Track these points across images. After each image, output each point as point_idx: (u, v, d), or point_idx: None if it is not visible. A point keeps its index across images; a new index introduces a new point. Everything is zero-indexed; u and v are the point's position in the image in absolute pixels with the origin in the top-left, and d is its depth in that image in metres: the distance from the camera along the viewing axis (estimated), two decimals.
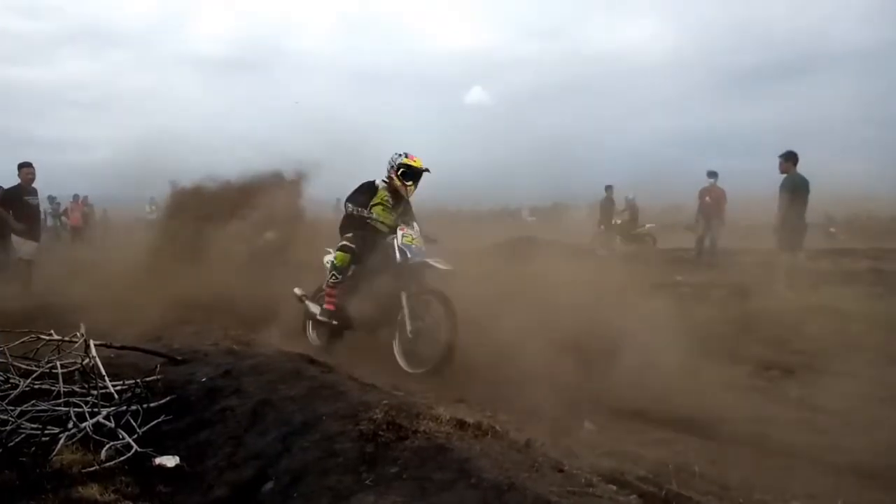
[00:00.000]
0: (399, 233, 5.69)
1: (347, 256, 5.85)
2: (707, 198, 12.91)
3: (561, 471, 2.77)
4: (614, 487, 2.70)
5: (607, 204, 17.45)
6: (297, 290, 6.46)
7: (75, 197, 21.75)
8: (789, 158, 8.65)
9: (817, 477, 3.54)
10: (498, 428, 3.22)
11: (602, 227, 17.17)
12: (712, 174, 13.19)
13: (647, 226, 17.73)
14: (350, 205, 5.90)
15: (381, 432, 3.04)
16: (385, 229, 5.90)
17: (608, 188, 17.53)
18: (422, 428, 3.09)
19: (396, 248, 5.62)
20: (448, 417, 3.26)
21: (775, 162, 8.72)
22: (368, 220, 5.91)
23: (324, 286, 6.06)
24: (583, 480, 2.69)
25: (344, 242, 5.90)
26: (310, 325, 6.38)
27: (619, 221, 17.36)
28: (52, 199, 21.11)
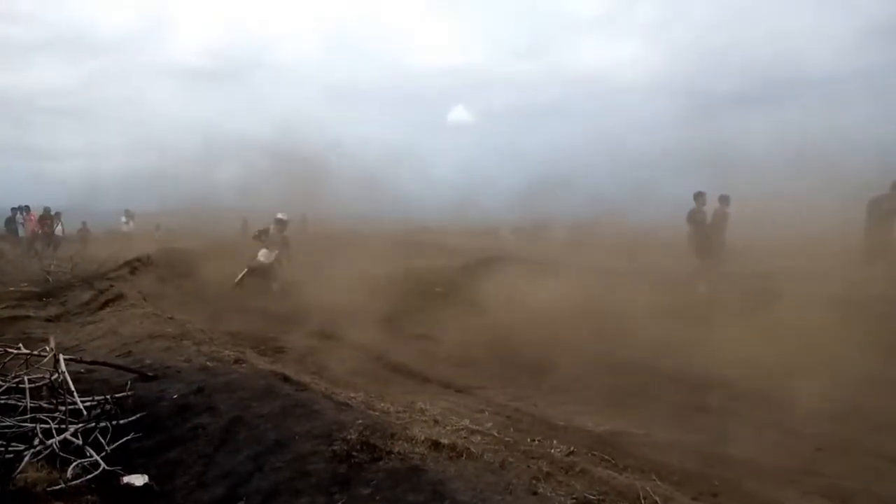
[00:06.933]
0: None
1: None
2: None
3: (535, 493, 2.78)
4: None
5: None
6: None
7: (46, 210, 21.40)
8: None
9: None
10: (473, 449, 3.22)
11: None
12: (700, 195, 11.68)
13: None
14: None
15: (354, 453, 3.03)
16: None
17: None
18: (396, 449, 3.09)
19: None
20: (423, 438, 3.26)
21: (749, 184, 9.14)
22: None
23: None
24: (557, 503, 2.70)
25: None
26: None
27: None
28: (24, 209, 20.69)
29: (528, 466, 3.14)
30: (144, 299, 9.63)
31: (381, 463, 2.94)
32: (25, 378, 3.91)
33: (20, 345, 4.58)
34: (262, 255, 11.80)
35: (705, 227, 11.45)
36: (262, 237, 12.12)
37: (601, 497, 2.87)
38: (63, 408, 3.64)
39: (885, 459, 4.30)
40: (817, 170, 11.56)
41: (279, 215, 12.31)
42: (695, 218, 11.57)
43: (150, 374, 4.75)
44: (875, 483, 3.93)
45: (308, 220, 19.94)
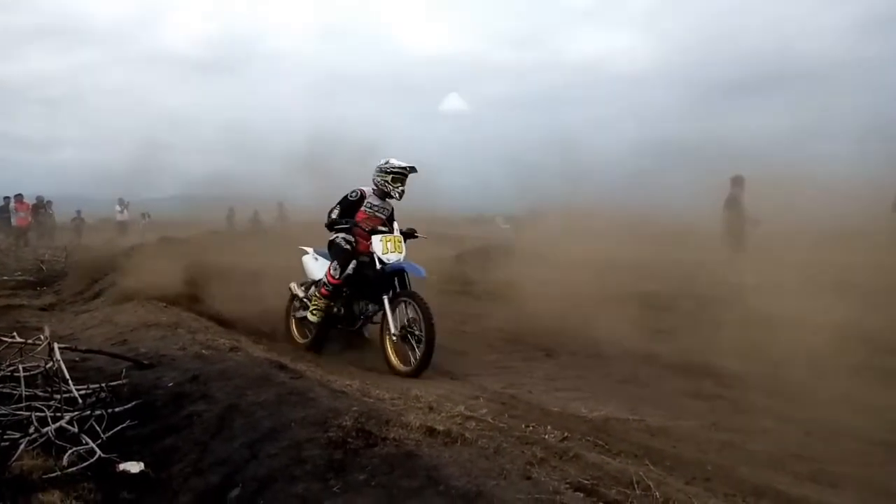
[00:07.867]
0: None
1: None
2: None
3: (529, 478, 2.80)
4: (581, 495, 2.73)
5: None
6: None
7: (39, 198, 21.48)
8: None
9: None
10: (467, 435, 3.24)
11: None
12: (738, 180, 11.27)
13: None
14: None
15: (349, 439, 3.04)
16: None
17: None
18: (391, 435, 3.10)
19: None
20: (418, 424, 3.27)
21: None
22: None
23: None
24: (550, 488, 2.72)
25: None
26: None
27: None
28: (17, 197, 20.61)
29: (523, 452, 3.16)
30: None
31: (376, 449, 2.95)
32: (20, 366, 3.91)
33: (14, 333, 4.57)
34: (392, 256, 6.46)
35: (743, 213, 11.00)
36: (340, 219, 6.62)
37: (594, 482, 2.89)
38: (58, 396, 3.64)
39: (873, 444, 4.34)
40: (815, 159, 11.54)
41: (399, 162, 6.64)
42: (733, 204, 11.07)
43: (145, 362, 4.76)
44: (863, 467, 3.97)
45: (286, 207, 19.35)
